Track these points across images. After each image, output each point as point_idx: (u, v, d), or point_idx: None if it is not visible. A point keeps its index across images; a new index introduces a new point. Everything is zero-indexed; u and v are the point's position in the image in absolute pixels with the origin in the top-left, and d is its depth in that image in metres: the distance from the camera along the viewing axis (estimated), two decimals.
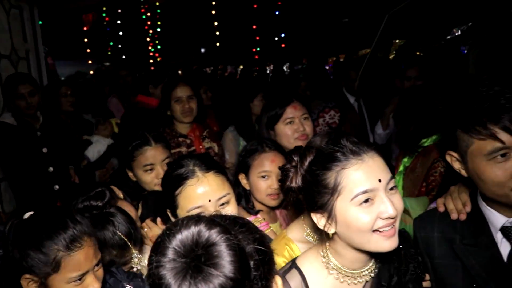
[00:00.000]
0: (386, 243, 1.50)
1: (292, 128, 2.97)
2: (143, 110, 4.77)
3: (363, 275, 1.63)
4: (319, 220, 1.58)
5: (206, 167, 2.01)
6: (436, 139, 3.35)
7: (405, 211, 2.46)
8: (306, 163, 1.61)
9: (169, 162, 2.60)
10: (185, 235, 1.21)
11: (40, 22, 5.90)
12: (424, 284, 1.82)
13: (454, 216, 1.79)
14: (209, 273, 1.14)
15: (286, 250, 2.04)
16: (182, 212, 1.98)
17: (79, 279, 1.70)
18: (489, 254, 1.67)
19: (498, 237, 1.69)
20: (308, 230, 2.04)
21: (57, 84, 5.20)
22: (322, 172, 1.52)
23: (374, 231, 1.49)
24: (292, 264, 1.70)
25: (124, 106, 6.13)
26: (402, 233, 1.78)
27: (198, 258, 1.16)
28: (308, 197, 1.59)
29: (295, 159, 1.66)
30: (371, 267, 1.64)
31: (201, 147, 3.84)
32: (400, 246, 1.68)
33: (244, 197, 2.64)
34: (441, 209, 1.86)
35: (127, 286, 1.93)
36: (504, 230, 1.67)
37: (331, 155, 1.53)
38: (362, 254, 1.59)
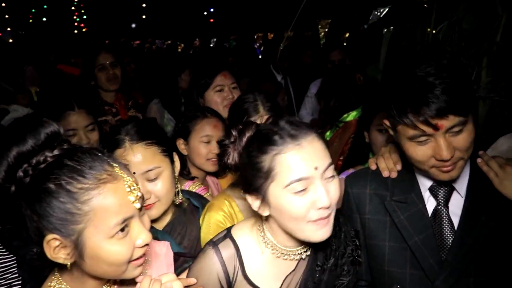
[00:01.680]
0: (318, 234, 1.47)
1: (222, 96, 3.01)
2: (65, 79, 4.62)
3: (298, 253, 1.60)
4: (253, 201, 1.54)
5: (137, 137, 1.87)
6: (356, 115, 3.51)
7: None
8: (244, 140, 1.56)
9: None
10: None
11: None
12: None
13: (385, 174, 1.85)
14: None
15: (225, 206, 2.05)
16: None
17: (122, 230, 1.27)
18: (416, 210, 1.76)
19: (426, 195, 1.78)
20: None
21: None
22: (257, 154, 1.47)
23: (308, 220, 1.45)
24: (227, 233, 1.65)
25: (40, 75, 5.87)
26: (343, 215, 1.80)
27: None
28: (243, 177, 1.56)
29: (234, 134, 1.60)
30: (306, 246, 1.61)
31: (126, 118, 3.73)
32: (341, 227, 1.71)
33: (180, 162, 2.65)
34: (373, 167, 1.91)
35: None
36: (432, 188, 1.78)
37: (267, 137, 1.47)
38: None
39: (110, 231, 1.25)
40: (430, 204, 1.79)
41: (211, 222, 1.99)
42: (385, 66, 1.68)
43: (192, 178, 2.59)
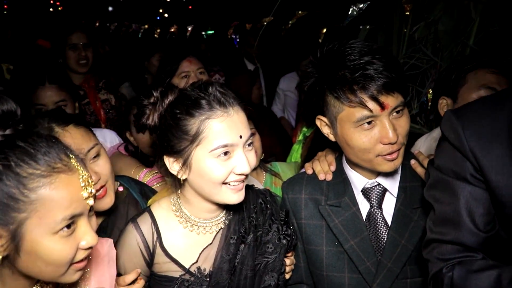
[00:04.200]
0: (234, 196, 1.55)
1: (187, 82, 2.90)
2: (40, 54, 4.52)
3: (212, 225, 1.66)
4: (172, 164, 1.57)
5: (63, 121, 1.79)
6: None
7: (276, 175, 2.57)
8: (167, 102, 1.58)
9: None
10: None
11: None
12: (288, 255, 1.80)
13: (321, 177, 1.86)
14: None
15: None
16: None
17: (67, 227, 1.17)
18: (350, 214, 1.77)
19: (359, 198, 1.80)
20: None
21: None
22: (184, 117, 1.50)
23: (224, 183, 1.52)
24: (147, 208, 1.72)
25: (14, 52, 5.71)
26: (272, 195, 1.84)
27: None
28: (164, 139, 1.57)
29: (155, 95, 1.61)
30: (220, 218, 1.68)
31: (96, 100, 3.62)
32: (268, 205, 1.75)
33: (135, 152, 2.62)
34: (309, 171, 1.92)
35: None
36: (365, 191, 1.79)
37: (197, 102, 1.50)
38: (211, 204, 1.62)
39: (55, 226, 1.13)
40: (364, 206, 1.80)
41: None
42: (318, 59, 1.69)
43: (152, 164, 2.54)
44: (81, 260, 1.23)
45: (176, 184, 1.66)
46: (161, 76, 3.03)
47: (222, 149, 1.48)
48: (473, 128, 1.29)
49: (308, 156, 3.26)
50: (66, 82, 2.99)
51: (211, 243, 1.65)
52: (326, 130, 1.76)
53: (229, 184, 1.53)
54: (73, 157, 1.21)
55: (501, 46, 2.84)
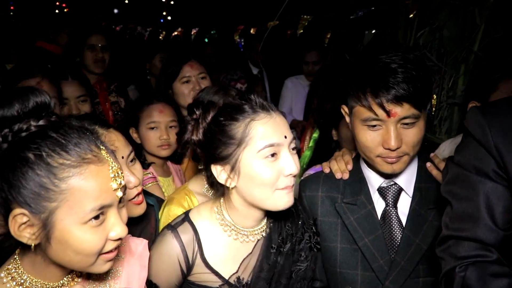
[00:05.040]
0: (284, 200, 1.53)
1: (189, 87, 2.91)
2: (45, 55, 4.53)
3: (255, 234, 1.65)
4: (220, 173, 1.56)
5: (103, 124, 1.83)
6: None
7: None
8: (209, 117, 1.59)
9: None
10: None
11: None
12: None
13: (338, 175, 1.89)
14: None
15: (185, 201, 2.04)
16: None
17: (96, 218, 1.18)
18: (365, 212, 1.80)
19: (375, 196, 1.83)
20: (207, 185, 2.04)
21: None
22: (230, 122, 1.52)
23: (276, 189, 1.52)
24: (185, 217, 1.67)
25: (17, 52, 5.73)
26: (302, 204, 1.87)
27: None
28: (209, 149, 1.57)
29: (197, 112, 1.63)
30: (263, 226, 1.67)
31: (106, 102, 3.68)
32: (299, 214, 1.77)
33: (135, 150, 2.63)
34: (326, 170, 1.95)
35: None
36: (381, 190, 1.82)
37: (240, 107, 1.54)
38: (259, 211, 1.61)
39: (84, 216, 1.14)
40: (380, 205, 1.83)
41: (170, 215, 1.97)
42: (354, 56, 1.74)
43: (149, 165, 2.55)
44: (110, 251, 1.24)
45: (219, 192, 1.65)
46: (162, 79, 3.03)
47: (269, 149, 1.49)
48: (499, 125, 1.28)
49: (312, 159, 3.28)
50: (86, 79, 3.07)
51: (251, 252, 1.65)
52: (347, 119, 1.82)
53: (280, 188, 1.52)
54: (104, 148, 1.22)
55: (505, 52, 2.85)
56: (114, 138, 1.74)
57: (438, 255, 1.41)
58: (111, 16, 16.78)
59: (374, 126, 1.64)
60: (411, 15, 3.12)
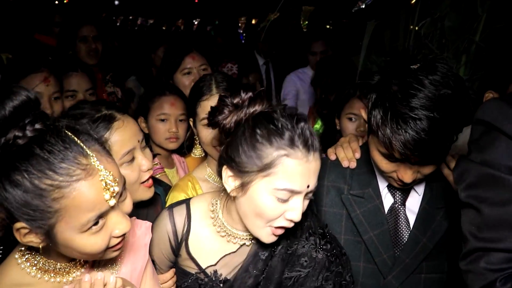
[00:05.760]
0: (270, 238, 1.48)
1: (190, 79, 2.92)
2: (42, 48, 4.52)
3: (243, 238, 1.60)
4: (228, 179, 1.48)
5: (119, 109, 1.83)
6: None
7: None
8: (251, 111, 1.46)
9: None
10: None
11: None
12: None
13: (345, 163, 1.84)
14: None
15: (189, 188, 2.07)
16: None
17: (96, 223, 1.19)
18: (372, 206, 1.78)
19: (384, 191, 1.80)
20: (209, 171, 2.08)
21: None
22: (263, 141, 1.38)
23: (270, 225, 1.45)
24: (186, 201, 1.72)
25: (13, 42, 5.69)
26: (312, 209, 1.77)
27: None
28: (232, 149, 1.45)
29: (243, 97, 1.48)
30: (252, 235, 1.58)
31: (103, 93, 3.68)
32: (307, 218, 1.66)
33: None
34: (332, 157, 1.90)
35: None
36: (391, 186, 1.78)
37: (282, 131, 1.38)
38: None
39: (82, 227, 1.16)
40: (387, 200, 1.80)
41: (173, 201, 1.99)
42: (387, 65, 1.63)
43: (154, 156, 2.56)
44: (117, 244, 1.28)
45: (222, 190, 1.60)
46: (163, 69, 3.04)
47: (286, 192, 1.38)
48: None
49: (322, 138, 3.27)
50: (93, 72, 3.09)
51: (235, 251, 1.61)
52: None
53: (274, 227, 1.45)
54: (92, 155, 1.18)
55: (507, 42, 2.85)
56: (131, 122, 1.78)
57: (462, 269, 1.25)
58: (112, 8, 16.70)
59: (392, 160, 1.59)
60: (413, 1, 3.11)
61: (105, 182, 1.17)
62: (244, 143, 1.42)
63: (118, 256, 1.42)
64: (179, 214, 1.67)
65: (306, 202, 1.46)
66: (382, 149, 1.57)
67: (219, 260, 1.62)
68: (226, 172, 1.48)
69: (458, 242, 1.65)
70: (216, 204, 1.65)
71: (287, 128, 1.39)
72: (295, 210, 1.41)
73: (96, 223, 1.18)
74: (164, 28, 12.59)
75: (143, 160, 1.76)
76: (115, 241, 1.26)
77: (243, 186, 1.43)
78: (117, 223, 1.23)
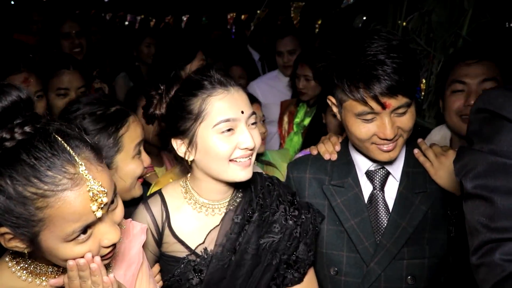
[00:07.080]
0: (242, 173, 1.59)
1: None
2: (23, 47, 4.47)
3: (221, 207, 1.71)
4: (179, 146, 1.64)
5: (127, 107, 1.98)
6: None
7: (269, 164, 2.64)
8: (173, 92, 1.66)
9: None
10: None
11: None
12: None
13: (326, 156, 1.93)
14: None
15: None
16: None
17: (83, 232, 1.16)
18: (352, 194, 1.84)
19: (363, 179, 1.86)
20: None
21: None
22: (188, 98, 1.58)
23: (231, 160, 1.57)
24: (158, 191, 1.78)
25: None
26: (279, 180, 1.88)
27: None
28: (170, 123, 1.65)
29: (162, 87, 1.70)
30: (229, 200, 1.72)
31: (90, 88, 3.65)
32: (275, 187, 1.79)
33: None
34: (314, 152, 1.99)
35: None
36: (369, 173, 1.86)
37: (198, 83, 1.59)
38: (221, 184, 1.67)
39: (67, 237, 1.12)
40: (367, 188, 1.86)
41: None
42: (338, 44, 1.73)
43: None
44: (108, 253, 1.24)
45: (186, 168, 1.71)
46: (174, 61, 3.05)
47: (225, 124, 1.54)
48: None
49: (304, 144, 3.31)
50: (85, 69, 3.05)
51: (218, 225, 1.69)
52: (334, 109, 1.83)
53: (235, 161, 1.58)
54: (82, 163, 1.14)
55: (492, 36, 2.89)
56: (136, 116, 1.89)
57: (474, 264, 1.17)
58: (101, 4, 16.58)
59: (369, 118, 1.66)
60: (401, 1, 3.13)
61: (93, 193, 1.12)
62: (176, 110, 1.61)
63: (112, 258, 1.40)
64: (155, 204, 1.73)
65: (254, 131, 1.62)
66: (359, 107, 1.65)
67: (206, 236, 1.68)
68: (175, 142, 1.65)
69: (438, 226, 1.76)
70: (186, 183, 1.74)
71: (202, 79, 1.60)
72: (244, 138, 1.56)
73: (84, 232, 1.15)
74: (152, 24, 12.51)
75: (146, 157, 1.88)
76: (105, 251, 1.23)
77: (191, 142, 1.59)
78: (106, 233, 1.19)
